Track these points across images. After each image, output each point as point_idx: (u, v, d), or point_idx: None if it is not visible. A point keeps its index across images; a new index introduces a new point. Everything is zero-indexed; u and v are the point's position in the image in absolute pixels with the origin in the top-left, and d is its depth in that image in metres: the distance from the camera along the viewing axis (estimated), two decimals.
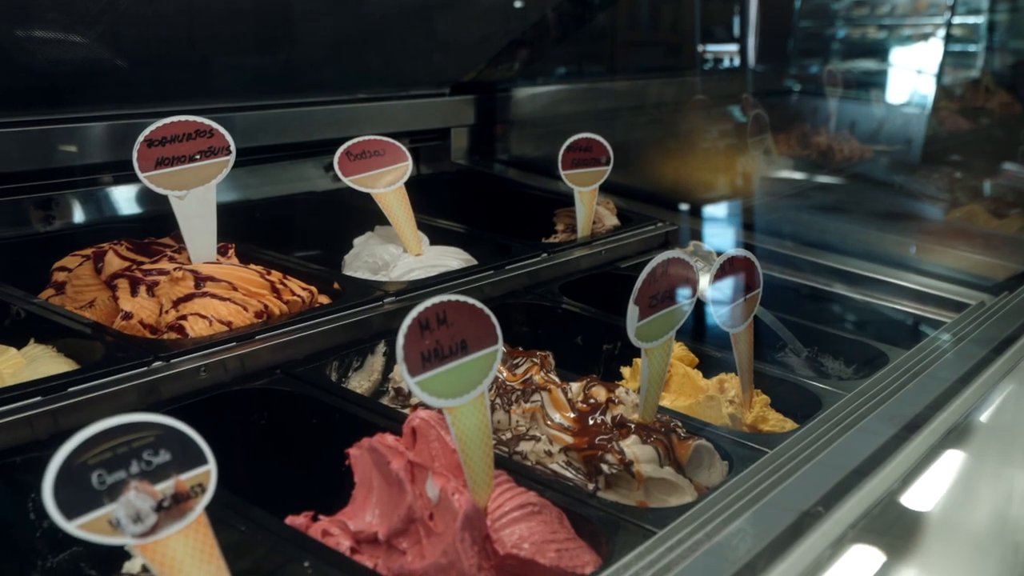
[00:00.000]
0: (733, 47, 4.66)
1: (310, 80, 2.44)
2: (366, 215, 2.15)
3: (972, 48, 5.84)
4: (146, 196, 2.14)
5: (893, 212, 2.90)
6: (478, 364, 1.11)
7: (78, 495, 0.86)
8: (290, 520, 1.13)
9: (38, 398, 1.25)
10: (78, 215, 2.02)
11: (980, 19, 5.88)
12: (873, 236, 2.50)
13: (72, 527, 0.85)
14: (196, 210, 1.56)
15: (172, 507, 0.92)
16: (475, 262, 2.00)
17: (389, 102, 2.60)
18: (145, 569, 1.07)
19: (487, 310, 1.14)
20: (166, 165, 1.52)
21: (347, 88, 2.52)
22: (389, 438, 1.16)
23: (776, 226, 2.52)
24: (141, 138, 1.50)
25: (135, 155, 1.50)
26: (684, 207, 2.54)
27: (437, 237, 2.10)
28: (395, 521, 1.09)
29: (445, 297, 1.10)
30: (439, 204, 2.30)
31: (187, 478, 0.94)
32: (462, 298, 1.12)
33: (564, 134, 2.24)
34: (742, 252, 1.50)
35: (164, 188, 1.53)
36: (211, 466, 0.95)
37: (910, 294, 2.11)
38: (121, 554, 1.16)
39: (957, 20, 5.73)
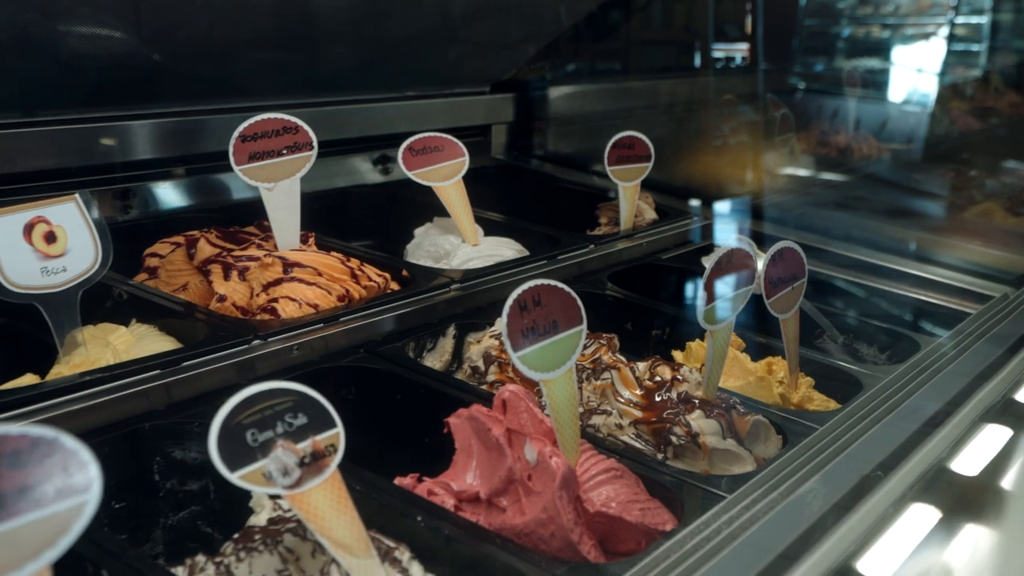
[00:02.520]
0: (745, 46, 4.78)
1: (361, 79, 2.55)
2: (416, 207, 2.28)
3: (975, 48, 5.94)
4: (212, 187, 2.26)
5: (912, 209, 3.02)
6: (567, 342, 1.24)
7: (237, 450, 0.98)
8: (398, 481, 1.25)
9: (157, 371, 1.37)
10: (153, 205, 2.13)
11: (983, 19, 5.97)
12: (896, 231, 2.62)
13: (234, 478, 0.97)
14: (283, 201, 1.67)
15: (312, 464, 1.04)
16: (526, 252, 2.12)
17: (435, 100, 2.72)
18: (272, 522, 1.19)
19: (574, 293, 1.27)
20: (257, 159, 1.64)
21: (396, 87, 2.63)
22: (483, 409, 1.27)
23: (802, 221, 2.64)
24: (236, 134, 1.62)
25: (231, 149, 1.62)
26: (715, 202, 2.66)
27: (485, 228, 2.21)
28: (495, 482, 1.21)
29: (539, 281, 1.23)
30: (482, 197, 2.41)
31: (321, 439, 1.05)
32: (553, 282, 1.25)
33: (597, 131, 2.34)
34: (790, 244, 1.62)
35: (255, 180, 1.64)
36: (340, 429, 1.07)
37: (935, 286, 2.23)
38: (238, 512, 1.27)
39: (960, 20, 5.82)
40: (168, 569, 1.06)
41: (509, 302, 1.18)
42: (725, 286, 1.41)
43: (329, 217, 2.36)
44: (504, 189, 2.75)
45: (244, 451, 0.99)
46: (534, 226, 2.33)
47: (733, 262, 1.41)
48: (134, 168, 2.07)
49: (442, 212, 2.17)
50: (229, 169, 2.25)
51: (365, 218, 2.47)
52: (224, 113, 2.24)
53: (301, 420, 1.05)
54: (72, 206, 1.38)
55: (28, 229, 1.33)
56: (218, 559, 1.10)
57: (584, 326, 1.27)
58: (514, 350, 1.17)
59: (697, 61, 4.38)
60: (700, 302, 1.36)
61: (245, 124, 1.63)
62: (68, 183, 1.94)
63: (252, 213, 2.00)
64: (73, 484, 0.75)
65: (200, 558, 1.11)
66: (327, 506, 1.04)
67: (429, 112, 2.70)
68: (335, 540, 1.01)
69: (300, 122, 1.70)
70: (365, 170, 2.62)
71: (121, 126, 2.05)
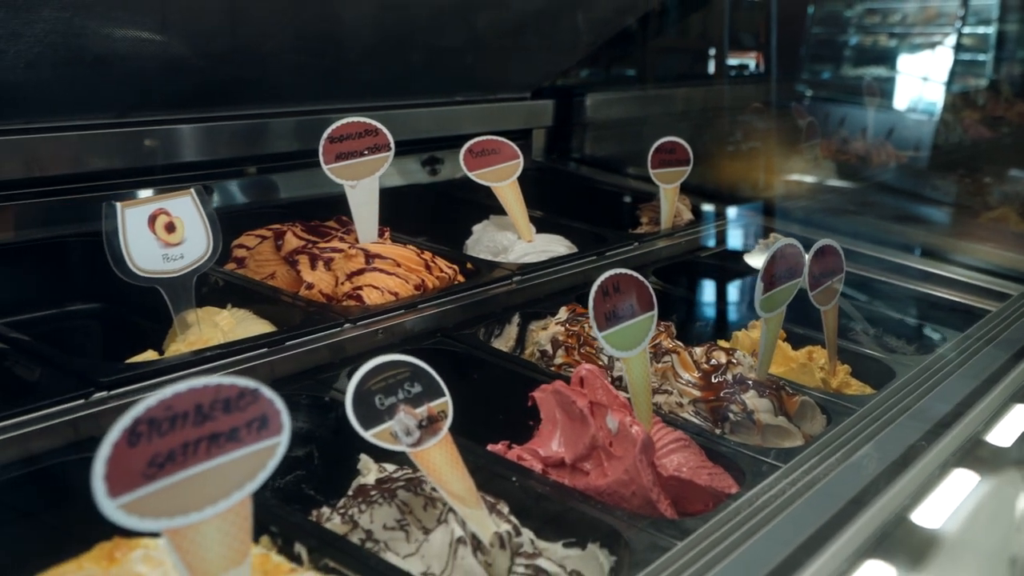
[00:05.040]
0: (760, 55, 4.93)
1: (412, 86, 2.70)
2: (462, 205, 2.42)
3: (981, 57, 6.08)
4: (274, 185, 2.41)
5: (931, 213, 3.16)
6: (643, 325, 1.38)
7: (368, 412, 1.12)
8: (490, 447, 1.39)
9: (265, 349, 1.51)
10: (227, 200, 2.28)
11: (989, 29, 6.10)
12: (917, 234, 2.77)
13: (368, 435, 1.12)
14: (364, 198, 1.82)
15: (428, 426, 1.18)
16: (576, 249, 2.26)
17: (480, 105, 2.87)
18: (379, 483, 1.33)
19: (646, 282, 1.41)
20: (342, 159, 1.79)
21: (444, 92, 2.78)
22: (565, 384, 1.42)
23: (825, 222, 2.78)
24: (325, 136, 1.77)
25: (321, 150, 1.76)
26: (742, 204, 2.80)
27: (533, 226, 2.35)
28: (579, 448, 1.35)
29: (618, 270, 1.37)
30: (524, 197, 2.55)
31: (434, 405, 1.20)
32: (629, 272, 1.39)
33: (630, 136, 2.47)
34: (831, 242, 1.76)
35: (341, 178, 1.79)
36: (448, 398, 1.21)
37: (956, 284, 2.37)
38: (338, 477, 1.41)
39: (966, 30, 5.95)
40: (302, 514, 1.21)
41: (594, 288, 1.33)
42: (778, 278, 1.55)
43: (384, 214, 2.50)
44: (545, 190, 2.89)
45: (374, 413, 1.13)
46: (574, 223, 2.47)
47: (786, 255, 1.55)
48: (208, 167, 2.21)
49: (491, 211, 2.32)
50: (293, 168, 2.44)
51: (416, 215, 2.61)
52: (288, 116, 2.40)
53: (417, 388, 1.19)
54: (188, 200, 1.53)
55: (152, 220, 1.48)
56: (341, 510, 1.24)
57: (655, 311, 1.41)
58: (599, 330, 1.31)
59: (718, 70, 4.53)
60: (758, 291, 1.50)
61: (333, 127, 1.78)
62: (152, 180, 2.09)
63: (314, 208, 2.15)
64: (269, 428, 0.89)
65: (325, 509, 1.26)
66: (443, 463, 1.18)
67: (474, 116, 2.85)
68: (452, 492, 1.16)
69: (379, 125, 1.85)
70: (414, 171, 2.76)
71: (198, 128, 2.19)
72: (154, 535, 0.92)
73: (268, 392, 0.89)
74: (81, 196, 1.95)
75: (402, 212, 2.63)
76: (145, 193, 2.04)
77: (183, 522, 0.83)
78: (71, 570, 0.89)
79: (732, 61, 4.72)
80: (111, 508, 0.78)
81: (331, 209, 2.07)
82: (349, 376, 1.53)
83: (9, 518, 1.17)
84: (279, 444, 0.90)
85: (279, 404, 0.90)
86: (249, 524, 0.88)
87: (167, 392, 0.83)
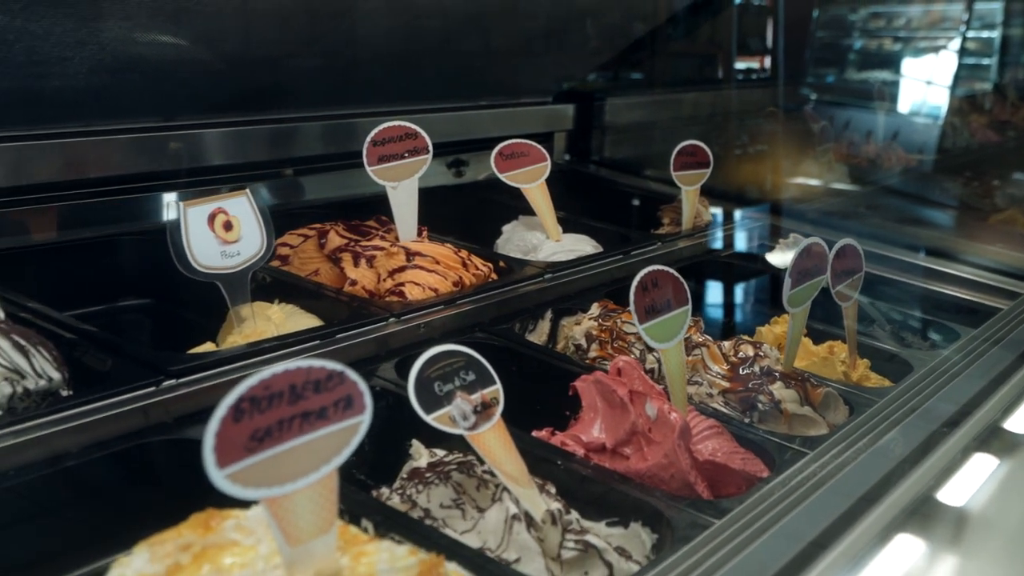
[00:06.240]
0: (768, 59, 5.01)
1: (439, 91, 2.79)
2: (487, 206, 2.50)
3: (985, 61, 6.15)
4: (308, 187, 2.49)
5: (940, 215, 3.25)
6: (678, 318, 1.46)
7: (429, 398, 1.20)
8: (535, 433, 1.47)
9: (317, 341, 1.59)
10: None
11: (994, 33, 6.17)
12: (929, 234, 2.85)
13: (430, 419, 1.20)
14: (404, 198, 1.90)
15: (483, 411, 1.26)
16: (601, 248, 2.34)
17: (503, 109, 2.95)
18: (431, 466, 1.41)
19: (681, 278, 1.49)
20: (384, 161, 1.87)
21: (469, 97, 2.87)
22: (604, 374, 1.50)
23: (839, 224, 2.86)
24: (368, 139, 1.85)
25: (365, 152, 1.84)
26: (755, 206, 2.88)
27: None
28: (620, 434, 1.43)
29: (655, 267, 1.45)
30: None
31: (487, 392, 1.28)
32: (665, 268, 1.47)
33: (648, 139, 2.55)
34: (851, 241, 1.84)
35: (383, 180, 1.87)
36: (499, 385, 1.29)
37: (967, 283, 2.45)
38: (386, 461, 1.49)
39: (971, 34, 6.01)
40: (364, 492, 1.29)
41: (635, 283, 1.41)
42: (805, 275, 1.63)
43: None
44: (568, 191, 2.97)
45: (434, 399, 1.21)
46: (598, 223, 2.55)
47: (812, 253, 1.63)
48: (244, 169, 2.30)
49: (517, 211, 2.40)
50: (324, 170, 2.52)
51: (444, 216, 2.69)
52: (318, 121, 2.48)
53: (471, 376, 1.27)
54: (244, 199, 1.61)
55: (211, 219, 1.56)
56: (399, 491, 1.32)
57: (690, 306, 1.49)
58: (640, 323, 1.39)
59: (727, 74, 4.62)
60: (786, 287, 1.58)
61: (376, 131, 1.86)
62: (194, 181, 2.18)
63: (348, 208, 2.22)
64: (353, 407, 0.97)
65: (384, 489, 1.34)
66: (497, 445, 1.26)
67: (497, 120, 2.93)
68: (506, 473, 1.24)
69: (418, 129, 1.93)
70: (440, 173, 2.85)
71: (236, 131, 2.27)
72: (247, 505, 0.99)
73: (353, 374, 0.97)
74: (131, 196, 2.03)
75: (430, 213, 2.72)
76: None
77: (279, 491, 0.91)
78: (171, 537, 0.97)
79: (740, 65, 4.80)
80: (219, 478, 0.86)
81: (364, 209, 2.15)
82: (398, 367, 1.63)
83: (98, 494, 1.25)
84: (362, 422, 0.98)
85: (362, 386, 0.98)
86: (335, 496, 0.96)
87: (265, 373, 0.91)
